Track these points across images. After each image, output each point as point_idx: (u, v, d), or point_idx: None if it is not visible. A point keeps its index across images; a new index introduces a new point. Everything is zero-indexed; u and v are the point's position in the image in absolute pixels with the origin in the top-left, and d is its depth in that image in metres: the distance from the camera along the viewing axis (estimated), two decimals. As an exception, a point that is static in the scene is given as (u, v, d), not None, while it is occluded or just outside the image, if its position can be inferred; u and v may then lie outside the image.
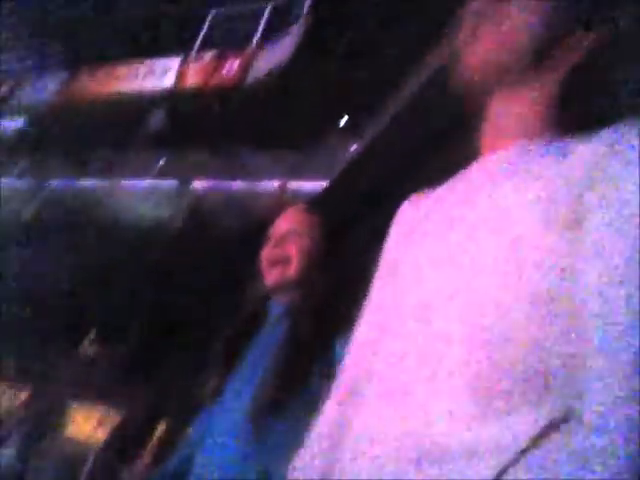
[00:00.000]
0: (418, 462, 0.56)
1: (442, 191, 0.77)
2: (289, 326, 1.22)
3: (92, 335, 8.95)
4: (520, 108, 0.71)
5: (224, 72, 8.30)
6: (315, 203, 1.45)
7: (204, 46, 9.34)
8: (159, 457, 6.11)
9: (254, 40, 8.81)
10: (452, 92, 0.72)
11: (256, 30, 9.09)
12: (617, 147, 0.59)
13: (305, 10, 7.96)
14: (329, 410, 0.76)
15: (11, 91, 11.64)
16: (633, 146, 0.58)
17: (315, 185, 8.47)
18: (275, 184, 8.67)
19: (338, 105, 7.84)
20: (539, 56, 0.69)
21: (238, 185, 9.17)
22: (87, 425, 7.69)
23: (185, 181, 10.00)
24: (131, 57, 10.36)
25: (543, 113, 0.70)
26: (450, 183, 0.76)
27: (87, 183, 11.71)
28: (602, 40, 0.69)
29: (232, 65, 8.29)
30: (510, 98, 0.71)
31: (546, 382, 0.55)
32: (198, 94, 8.47)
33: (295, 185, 8.51)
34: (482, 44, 0.70)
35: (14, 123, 11.27)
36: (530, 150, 0.67)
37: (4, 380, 8.73)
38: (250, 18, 9.95)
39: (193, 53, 9.07)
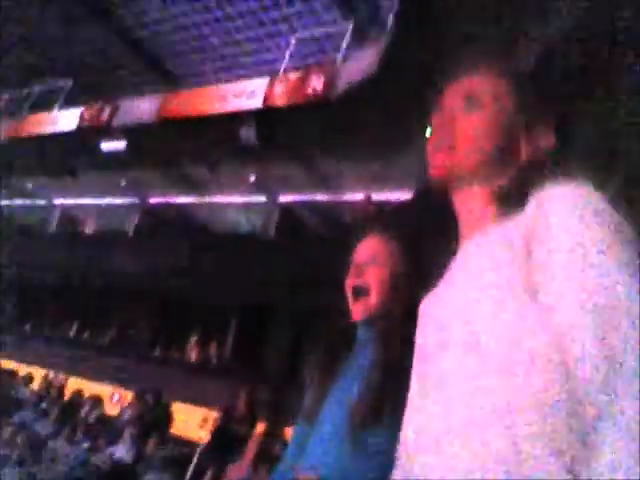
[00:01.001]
0: None
1: (444, 278, 0.88)
2: (377, 349, 1.30)
3: (194, 338, 9.43)
4: (478, 202, 0.86)
5: (310, 89, 8.63)
6: (393, 228, 1.55)
7: (290, 67, 9.74)
8: (260, 454, 6.33)
9: (338, 56, 9.10)
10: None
11: (338, 47, 9.40)
12: (545, 198, 0.71)
13: (389, 23, 8.16)
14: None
15: (111, 115, 12.52)
16: (559, 194, 0.70)
17: (400, 195, 8.62)
18: (361, 195, 8.86)
19: (423, 116, 7.97)
20: (490, 163, 0.84)
21: (325, 197, 9.41)
22: (191, 424, 8.14)
23: (274, 195, 10.39)
24: (220, 79, 10.94)
25: (496, 204, 0.83)
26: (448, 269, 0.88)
27: (184, 199, 12.39)
28: (548, 143, 0.84)
29: (317, 81, 8.60)
30: (469, 194, 0.86)
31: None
32: (286, 111, 8.82)
33: (381, 196, 8.67)
34: (440, 154, 0.87)
35: (116, 144, 12.08)
36: (485, 237, 0.79)
37: (112, 382, 9.38)
38: (332, 36, 10.31)
39: (280, 73, 9.47)
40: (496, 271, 0.71)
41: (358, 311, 1.36)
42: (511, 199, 0.80)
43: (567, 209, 0.68)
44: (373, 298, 1.34)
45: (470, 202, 0.86)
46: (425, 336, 0.84)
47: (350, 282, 1.38)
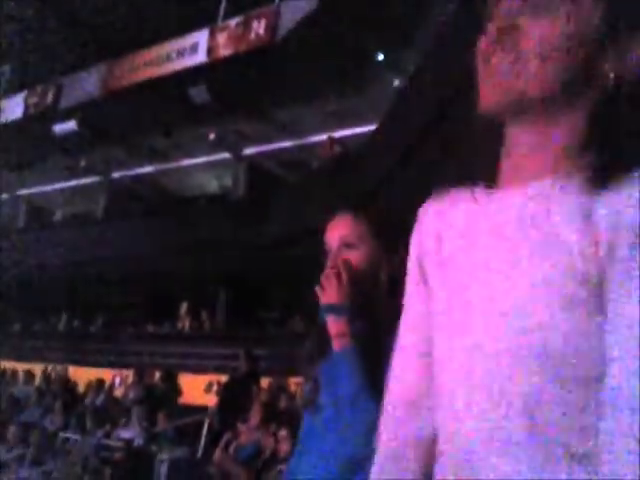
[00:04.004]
0: None
1: (470, 206, 0.71)
2: (355, 344, 1.28)
3: (184, 308, 9.39)
4: (542, 143, 0.65)
5: (252, 35, 8.29)
6: (362, 207, 1.51)
7: (228, 14, 9.28)
8: (267, 410, 6.38)
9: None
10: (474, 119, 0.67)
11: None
12: None
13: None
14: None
15: (56, 96, 12.02)
16: None
17: (362, 129, 8.44)
18: (324, 136, 8.67)
19: (373, 43, 7.72)
20: (563, 86, 0.63)
21: (288, 145, 9.22)
22: (197, 391, 8.20)
23: (237, 150, 10.16)
24: (159, 38, 10.43)
25: (567, 150, 0.64)
26: (477, 200, 0.70)
27: (148, 169, 12.10)
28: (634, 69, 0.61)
29: (259, 26, 8.26)
30: (532, 131, 0.66)
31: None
32: (233, 62, 8.49)
33: (343, 133, 8.50)
34: (495, 72, 0.64)
35: (66, 125, 11.66)
36: (554, 193, 0.62)
37: (111, 366, 9.39)
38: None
39: (218, 23, 9.05)
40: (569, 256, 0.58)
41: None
42: (594, 145, 0.62)
43: None
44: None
45: (530, 141, 0.65)
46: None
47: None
